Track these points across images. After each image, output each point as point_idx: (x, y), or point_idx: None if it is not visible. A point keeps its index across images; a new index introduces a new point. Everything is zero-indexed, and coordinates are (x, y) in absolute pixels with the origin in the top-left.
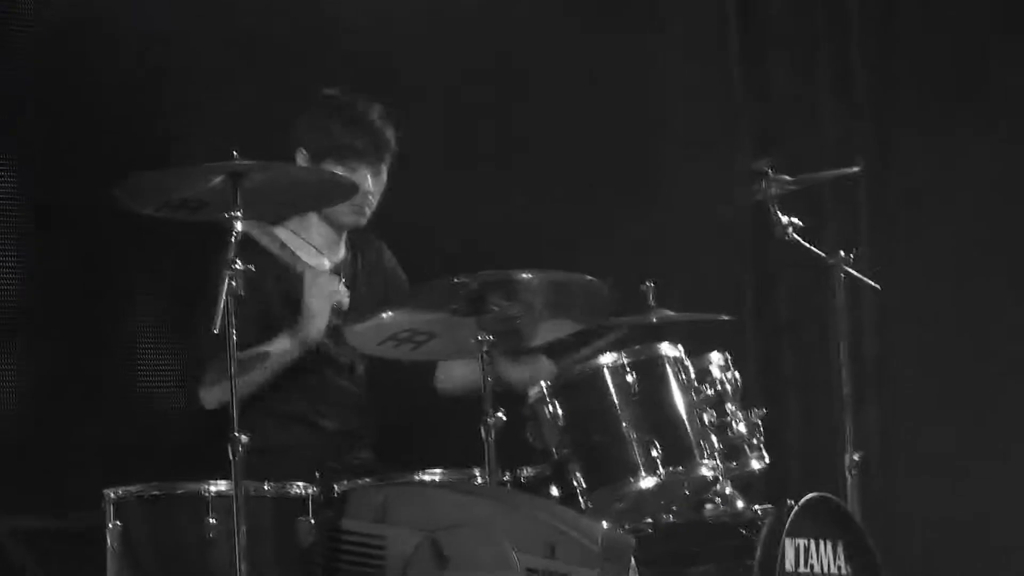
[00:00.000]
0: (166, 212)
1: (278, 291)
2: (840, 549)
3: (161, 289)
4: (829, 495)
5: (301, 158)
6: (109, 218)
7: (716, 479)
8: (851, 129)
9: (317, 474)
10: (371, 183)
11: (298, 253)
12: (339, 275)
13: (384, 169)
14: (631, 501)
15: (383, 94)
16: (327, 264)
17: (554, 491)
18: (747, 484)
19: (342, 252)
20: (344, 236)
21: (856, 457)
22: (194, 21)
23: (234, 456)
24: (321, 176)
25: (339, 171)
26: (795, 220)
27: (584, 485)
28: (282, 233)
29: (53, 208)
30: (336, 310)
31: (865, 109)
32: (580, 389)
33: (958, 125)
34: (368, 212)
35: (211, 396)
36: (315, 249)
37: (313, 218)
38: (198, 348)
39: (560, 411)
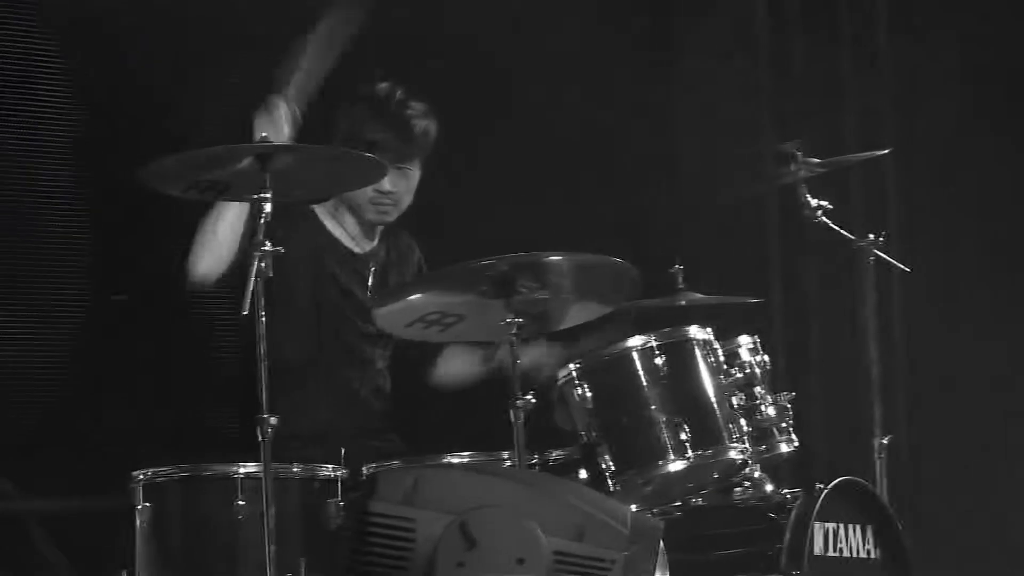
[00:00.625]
0: (193, 194)
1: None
2: (869, 533)
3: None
4: (858, 479)
5: None
6: (140, 202)
7: (745, 462)
8: (878, 110)
9: (343, 454)
10: (390, 181)
11: (334, 235)
12: (369, 262)
13: (413, 169)
14: (659, 484)
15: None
16: (359, 251)
17: (582, 474)
18: (776, 467)
19: (374, 244)
20: (378, 232)
21: (885, 441)
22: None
23: (263, 438)
24: (347, 156)
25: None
26: (824, 203)
27: (612, 468)
28: (321, 214)
29: (83, 193)
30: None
31: (892, 89)
32: (608, 372)
33: (987, 106)
34: (392, 211)
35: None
36: (349, 236)
37: (346, 209)
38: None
39: (588, 394)
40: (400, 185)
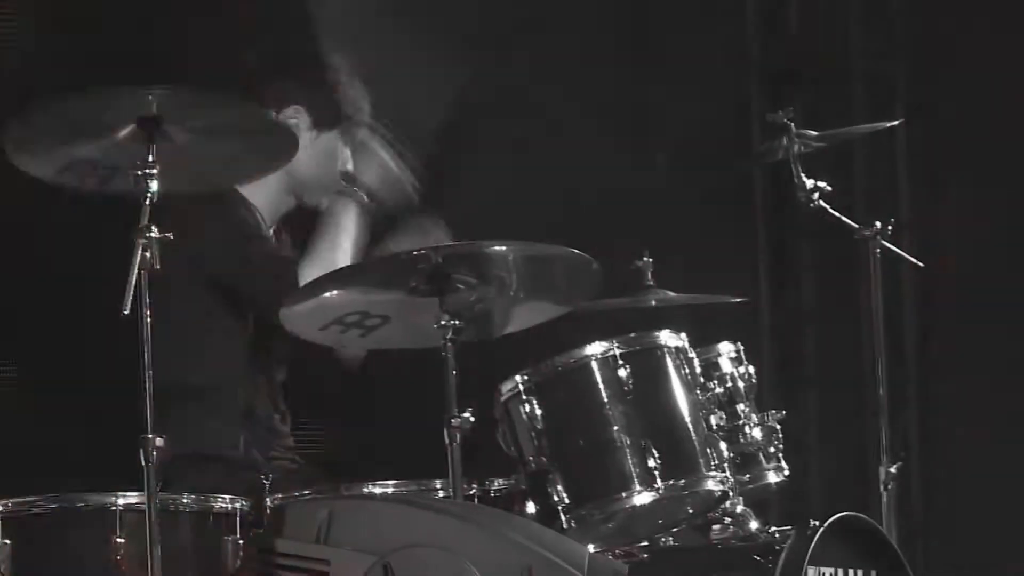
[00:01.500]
0: (69, 178)
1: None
2: None
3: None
4: (860, 514)
5: (297, 120)
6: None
7: (725, 495)
8: (887, 72)
9: (265, 480)
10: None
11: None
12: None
13: None
14: (623, 520)
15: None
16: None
17: (531, 507)
18: (762, 501)
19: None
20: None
21: (893, 469)
22: None
23: (147, 462)
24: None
25: (341, 145)
26: (821, 184)
27: (567, 500)
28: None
29: None
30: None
31: (904, 47)
32: (563, 385)
33: (1016, 68)
34: None
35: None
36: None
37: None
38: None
39: (538, 411)
40: None
